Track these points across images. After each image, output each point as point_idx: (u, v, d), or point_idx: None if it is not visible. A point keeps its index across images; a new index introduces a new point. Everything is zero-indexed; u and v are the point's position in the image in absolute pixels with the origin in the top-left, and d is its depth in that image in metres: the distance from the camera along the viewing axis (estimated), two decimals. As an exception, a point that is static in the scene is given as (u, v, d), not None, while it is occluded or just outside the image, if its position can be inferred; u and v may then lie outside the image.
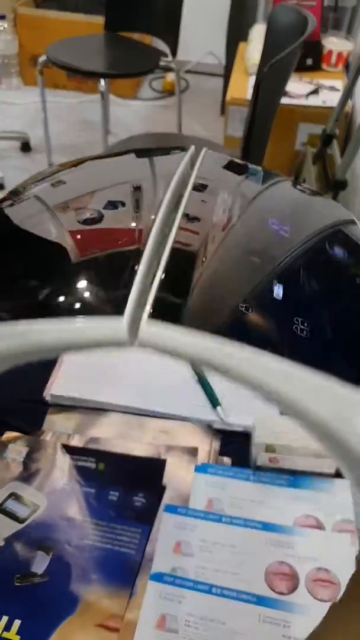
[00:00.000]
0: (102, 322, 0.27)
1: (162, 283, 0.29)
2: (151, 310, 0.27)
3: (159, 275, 0.29)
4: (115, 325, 0.27)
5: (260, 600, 0.56)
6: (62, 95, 3.24)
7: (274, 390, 0.28)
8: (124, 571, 0.59)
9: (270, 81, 1.24)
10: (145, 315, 0.27)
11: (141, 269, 0.30)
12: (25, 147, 2.78)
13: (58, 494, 0.65)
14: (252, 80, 2.23)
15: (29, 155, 2.77)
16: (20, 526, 0.62)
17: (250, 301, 0.30)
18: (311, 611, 0.54)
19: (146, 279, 0.30)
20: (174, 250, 0.32)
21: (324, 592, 0.56)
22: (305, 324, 0.30)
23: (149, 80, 3.50)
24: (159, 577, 0.57)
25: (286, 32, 1.38)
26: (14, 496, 0.64)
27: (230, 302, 0.30)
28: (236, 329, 0.28)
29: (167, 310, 0.28)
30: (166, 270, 0.30)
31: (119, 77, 2.43)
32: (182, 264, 0.31)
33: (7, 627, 0.54)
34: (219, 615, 0.55)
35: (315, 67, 2.27)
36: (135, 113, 3.21)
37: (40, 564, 0.59)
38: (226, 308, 0.30)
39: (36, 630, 0.54)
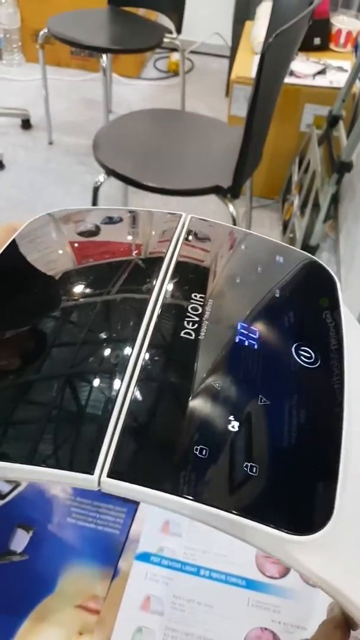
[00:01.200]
0: (75, 476, 0.32)
1: (119, 445, 0.33)
2: (108, 471, 0.32)
3: (116, 436, 0.33)
4: (86, 479, 0.32)
5: (249, 584, 0.53)
6: (65, 73, 3.20)
7: (219, 529, 0.32)
8: (107, 551, 0.56)
9: (275, 54, 1.20)
10: (104, 474, 0.32)
11: (109, 429, 0.33)
12: (26, 124, 2.74)
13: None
14: (257, 59, 2.18)
15: (29, 133, 2.74)
16: (1, 502, 0.60)
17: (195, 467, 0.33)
18: (302, 596, 0.52)
19: (111, 441, 0.33)
20: (131, 407, 0.35)
21: (271, 568, 0.54)
22: (252, 473, 0.32)
23: (154, 60, 3.46)
24: (145, 557, 0.55)
25: (293, 6, 1.34)
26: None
27: (178, 460, 0.33)
28: (182, 486, 0.32)
29: (121, 471, 0.32)
30: (122, 434, 0.33)
31: (121, 53, 2.39)
32: (139, 424, 0.34)
33: (-17, 606, 0.52)
34: (206, 598, 0.52)
35: (323, 47, 2.23)
36: (139, 93, 3.16)
37: (20, 542, 0.57)
38: (176, 466, 0.33)
39: (14, 608, 0.52)
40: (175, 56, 3.30)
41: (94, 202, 1.57)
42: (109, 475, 0.32)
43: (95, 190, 1.53)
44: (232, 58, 2.79)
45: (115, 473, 0.32)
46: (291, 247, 0.49)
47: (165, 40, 2.22)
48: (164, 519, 0.58)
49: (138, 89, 3.20)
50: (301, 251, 0.49)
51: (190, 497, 0.31)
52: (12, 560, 0.55)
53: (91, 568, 0.55)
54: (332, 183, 1.73)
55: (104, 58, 2.12)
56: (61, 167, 2.53)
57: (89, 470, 0.32)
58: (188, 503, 0.31)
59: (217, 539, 0.56)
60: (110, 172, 1.44)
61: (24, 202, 2.30)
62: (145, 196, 2.30)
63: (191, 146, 1.59)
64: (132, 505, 0.59)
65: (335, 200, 2.04)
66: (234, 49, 2.63)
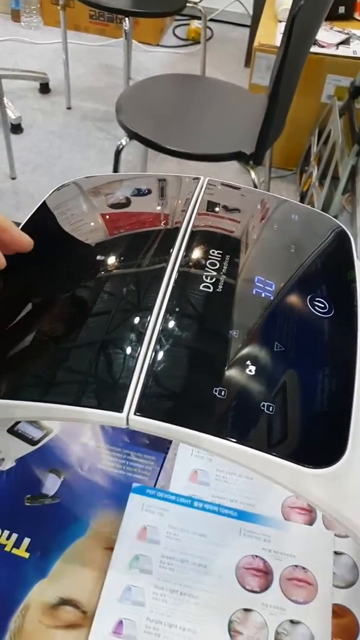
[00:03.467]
0: (106, 414, 0.35)
1: (145, 385, 0.36)
2: (135, 409, 0.35)
3: (142, 378, 0.36)
4: (116, 417, 0.35)
5: (241, 515, 0.56)
6: (84, 38, 3.17)
7: (239, 463, 0.35)
8: (136, 497, 0.57)
9: (305, 18, 1.19)
10: (132, 412, 0.35)
11: (136, 371, 0.36)
12: (45, 88, 2.73)
13: (71, 419, 0.63)
14: (281, 27, 2.16)
15: (48, 97, 2.72)
16: (33, 448, 0.61)
17: (219, 402, 0.35)
18: (290, 528, 0.55)
19: (137, 382, 0.36)
20: (155, 351, 0.37)
21: (297, 517, 0.56)
22: (269, 412, 0.35)
23: (173, 27, 3.42)
24: (141, 490, 0.57)
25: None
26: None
27: (199, 399, 0.36)
28: (203, 423, 0.34)
29: (148, 409, 0.35)
30: (147, 376, 0.36)
31: (144, 17, 2.35)
32: (163, 367, 0.37)
33: (17, 544, 0.53)
34: (200, 528, 0.55)
35: (348, 16, 2.20)
36: (157, 60, 3.14)
37: (52, 486, 0.58)
38: (197, 404, 0.35)
39: (45, 549, 0.53)
40: (195, 23, 3.26)
41: (116, 165, 1.57)
42: (136, 413, 0.35)
43: (117, 153, 1.53)
44: (253, 27, 2.76)
45: (142, 411, 0.35)
46: (306, 205, 0.51)
47: (188, 5, 2.19)
48: (192, 468, 0.59)
49: (157, 56, 3.17)
50: (316, 210, 0.52)
51: (211, 433, 0.34)
52: (44, 503, 0.57)
53: (120, 513, 0.56)
54: (353, 154, 1.72)
55: (127, 22, 2.09)
56: (79, 132, 2.51)
57: (118, 408, 0.35)
58: (208, 438, 0.34)
59: (245, 488, 0.58)
60: (133, 135, 1.43)
61: (42, 165, 2.30)
62: (163, 162, 2.30)
63: (213, 112, 1.58)
64: (160, 454, 0.61)
65: (353, 173, 2.03)
66: (256, 17, 2.60)
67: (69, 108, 2.66)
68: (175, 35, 3.38)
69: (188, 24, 3.33)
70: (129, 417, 0.35)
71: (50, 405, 0.35)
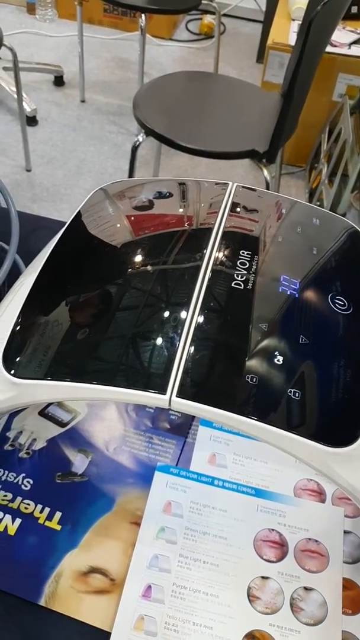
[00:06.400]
0: (150, 395, 0.40)
1: (185, 371, 0.40)
2: (177, 392, 0.39)
3: (182, 365, 0.41)
4: (159, 399, 0.40)
5: (258, 493, 0.60)
6: (97, 31, 3.19)
7: (268, 442, 0.39)
8: (159, 477, 0.61)
9: (321, 23, 1.22)
10: (174, 394, 0.39)
11: (176, 359, 0.41)
12: (59, 81, 2.76)
13: (98, 403, 0.68)
14: (294, 25, 2.19)
15: (62, 90, 2.75)
16: (62, 430, 0.65)
17: (250, 388, 0.40)
18: (303, 504, 0.60)
19: (178, 368, 0.41)
20: (193, 340, 0.42)
21: (308, 498, 0.61)
22: (295, 397, 0.40)
23: (185, 21, 3.44)
24: (165, 469, 0.62)
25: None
26: (56, 402, 0.67)
27: (233, 384, 0.40)
28: (237, 405, 0.39)
29: (188, 392, 0.39)
30: (186, 363, 0.41)
31: (161, 13, 2.37)
32: (201, 355, 0.41)
33: (50, 517, 0.57)
34: (220, 504, 0.59)
35: (360, 16, 2.22)
36: (170, 54, 3.16)
37: (80, 465, 0.62)
38: (232, 389, 0.40)
39: (75, 522, 0.57)
40: (208, 18, 3.28)
41: (132, 161, 1.61)
42: (178, 396, 0.39)
43: (134, 149, 1.57)
44: (265, 23, 2.78)
45: (183, 394, 0.39)
46: (326, 210, 0.56)
47: (204, 2, 2.22)
48: (211, 452, 0.63)
49: (169, 50, 3.19)
50: (335, 214, 0.56)
51: (245, 415, 0.39)
52: (73, 481, 0.61)
53: (144, 490, 0.60)
54: (363, 153, 1.75)
55: (142, 18, 2.12)
56: (93, 125, 2.55)
57: (162, 391, 0.40)
58: (243, 419, 0.39)
59: (260, 472, 0.62)
60: (150, 132, 1.47)
61: (57, 158, 2.33)
62: (174, 157, 2.33)
63: (228, 109, 1.61)
64: (181, 438, 0.65)
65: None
66: (269, 13, 2.62)
67: (82, 101, 2.69)
68: (187, 29, 3.40)
69: (200, 19, 3.35)
70: (171, 399, 0.39)
71: (106, 387, 0.40)
